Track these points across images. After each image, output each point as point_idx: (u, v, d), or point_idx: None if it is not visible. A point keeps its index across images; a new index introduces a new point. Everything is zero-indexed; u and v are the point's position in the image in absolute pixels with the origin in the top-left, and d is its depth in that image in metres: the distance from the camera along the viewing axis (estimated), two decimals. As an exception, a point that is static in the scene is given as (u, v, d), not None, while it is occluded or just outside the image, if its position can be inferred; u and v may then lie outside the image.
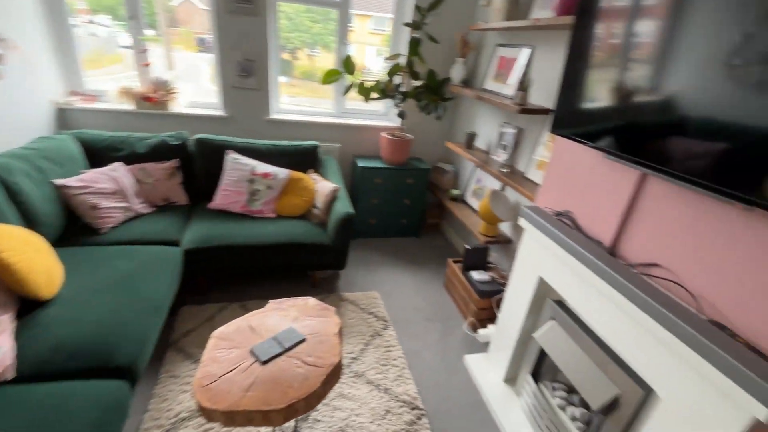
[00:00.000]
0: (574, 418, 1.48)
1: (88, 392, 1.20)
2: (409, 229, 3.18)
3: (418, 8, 2.56)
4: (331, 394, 1.70)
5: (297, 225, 2.28)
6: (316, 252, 2.23)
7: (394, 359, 1.93)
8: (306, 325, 1.44)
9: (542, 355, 1.63)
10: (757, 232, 0.98)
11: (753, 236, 0.99)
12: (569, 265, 1.38)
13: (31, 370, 1.25)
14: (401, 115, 2.85)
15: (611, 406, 1.25)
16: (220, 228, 2.14)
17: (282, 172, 2.40)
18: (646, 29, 1.14)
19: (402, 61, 2.68)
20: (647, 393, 1.14)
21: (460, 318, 2.32)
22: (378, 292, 2.46)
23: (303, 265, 2.27)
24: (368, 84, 2.67)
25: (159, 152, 2.34)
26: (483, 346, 2.12)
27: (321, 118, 3.01)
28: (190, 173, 2.46)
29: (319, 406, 1.64)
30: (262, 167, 2.39)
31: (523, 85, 2.09)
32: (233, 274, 2.42)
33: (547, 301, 1.60)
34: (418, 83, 2.76)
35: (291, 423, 1.55)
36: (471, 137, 2.74)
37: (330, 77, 2.57)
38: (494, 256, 2.58)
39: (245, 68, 2.69)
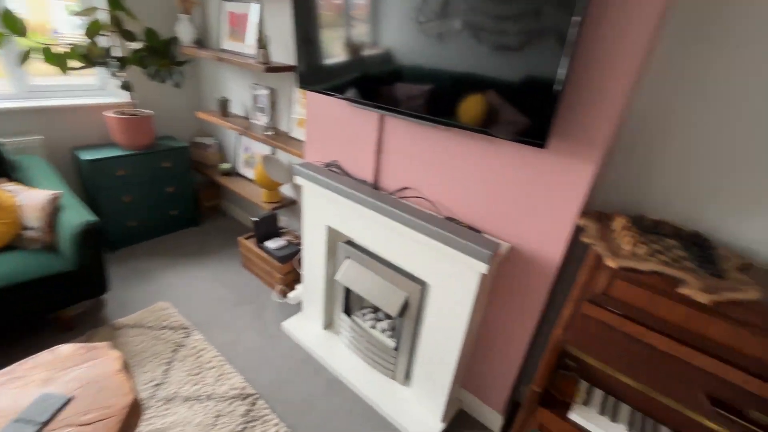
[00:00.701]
0: (383, 330, 1.76)
1: None
2: (183, 220, 2.77)
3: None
4: (141, 438, 1.40)
5: (2, 261, 1.60)
6: (50, 286, 1.65)
7: (209, 362, 1.74)
8: (69, 380, 1.08)
9: (348, 292, 1.82)
10: (460, 146, 1.34)
11: (459, 150, 1.35)
12: (347, 207, 1.53)
13: None
14: (126, 86, 2.30)
15: (404, 308, 1.54)
16: None
17: (-59, 193, 1.58)
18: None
19: (102, 17, 2.10)
20: (423, 287, 1.47)
21: (268, 291, 2.28)
22: (166, 301, 2.09)
23: (36, 309, 1.65)
24: (60, 50, 1.99)
25: None
26: (297, 307, 2.17)
27: (-9, 103, 2.09)
28: None
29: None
30: None
31: (262, 43, 2.02)
32: None
33: (338, 244, 1.75)
34: (137, 45, 2.25)
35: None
36: (224, 103, 2.52)
37: (-17, 41, 1.76)
38: (284, 220, 2.60)
39: None
